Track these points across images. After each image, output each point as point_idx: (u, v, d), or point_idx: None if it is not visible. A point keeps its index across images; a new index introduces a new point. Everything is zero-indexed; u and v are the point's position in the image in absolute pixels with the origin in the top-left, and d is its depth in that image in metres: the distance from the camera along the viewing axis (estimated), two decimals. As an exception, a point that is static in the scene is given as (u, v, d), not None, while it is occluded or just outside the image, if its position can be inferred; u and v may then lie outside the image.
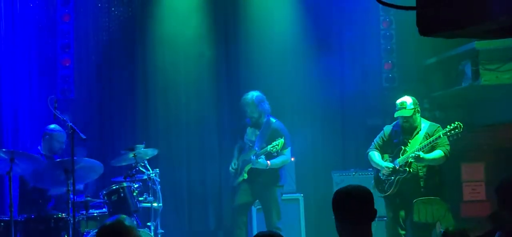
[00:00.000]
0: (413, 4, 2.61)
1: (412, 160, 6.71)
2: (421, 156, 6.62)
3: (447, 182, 8.00)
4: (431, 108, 8.89)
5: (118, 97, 8.81)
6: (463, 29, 2.50)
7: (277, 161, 7.35)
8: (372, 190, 6.96)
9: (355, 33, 9.07)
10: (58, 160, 6.39)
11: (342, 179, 8.46)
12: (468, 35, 2.56)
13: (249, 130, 7.56)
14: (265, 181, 7.42)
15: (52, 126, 6.93)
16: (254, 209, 8.23)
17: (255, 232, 8.16)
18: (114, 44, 8.81)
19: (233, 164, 7.60)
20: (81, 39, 8.63)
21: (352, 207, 3.42)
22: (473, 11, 2.41)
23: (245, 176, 7.43)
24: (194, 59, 9.02)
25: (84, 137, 6.02)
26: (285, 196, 7.97)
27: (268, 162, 7.29)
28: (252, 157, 7.28)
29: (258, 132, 7.46)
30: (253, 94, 7.44)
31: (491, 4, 2.33)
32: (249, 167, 7.39)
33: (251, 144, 7.47)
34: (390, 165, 6.86)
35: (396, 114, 6.89)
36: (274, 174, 7.47)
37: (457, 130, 6.57)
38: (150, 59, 8.91)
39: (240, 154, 7.62)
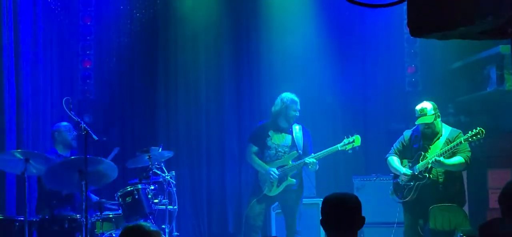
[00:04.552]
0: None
1: (432, 166, 6.57)
2: (441, 161, 6.47)
3: (472, 189, 7.84)
4: (456, 113, 8.73)
5: (138, 99, 8.84)
6: (453, 29, 2.42)
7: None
8: (390, 196, 6.93)
9: (378, 36, 8.94)
10: (73, 157, 6.39)
11: (363, 184, 8.37)
12: (460, 36, 2.47)
13: (273, 133, 7.36)
14: (299, 187, 7.38)
15: (57, 124, 7.10)
16: (273, 213, 8.17)
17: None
18: (135, 46, 8.85)
19: (272, 172, 7.21)
20: (102, 41, 8.68)
21: (336, 215, 3.38)
22: (462, 12, 2.33)
23: (293, 181, 7.27)
24: (215, 61, 9.00)
25: (96, 138, 6.02)
26: (305, 201, 7.88)
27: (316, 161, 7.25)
28: (310, 161, 7.15)
29: (289, 136, 7.33)
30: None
31: (478, 4, 2.25)
32: (293, 172, 7.26)
33: (285, 149, 7.30)
34: (409, 171, 6.72)
35: (417, 122, 6.74)
36: (302, 180, 7.44)
37: (479, 136, 6.40)
38: (170, 60, 8.92)
39: (264, 160, 7.38)
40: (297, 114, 7.32)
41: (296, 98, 7.33)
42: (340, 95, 9.12)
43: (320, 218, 3.44)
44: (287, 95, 7.36)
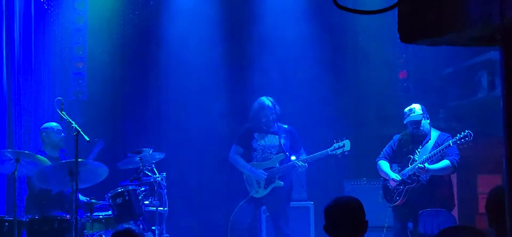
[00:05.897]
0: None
1: (418, 172, 6.59)
2: (426, 167, 6.48)
3: (462, 194, 7.86)
4: (447, 118, 8.75)
5: (130, 100, 8.84)
6: (443, 36, 2.43)
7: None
8: (380, 200, 6.94)
9: (370, 41, 8.96)
10: (63, 161, 6.39)
11: (353, 188, 8.38)
12: (450, 42, 2.48)
13: (258, 135, 7.37)
14: (287, 189, 7.35)
15: (46, 124, 7.06)
16: (263, 216, 8.17)
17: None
18: (127, 47, 8.84)
19: (261, 173, 7.23)
20: (94, 42, 8.66)
21: (342, 219, 3.37)
22: (451, 18, 2.34)
23: (281, 184, 7.26)
24: (207, 63, 9.00)
25: (87, 139, 6.00)
26: (295, 204, 7.89)
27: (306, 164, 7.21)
28: (300, 164, 7.14)
29: (275, 137, 7.32)
30: (270, 98, 7.32)
31: (468, 11, 2.26)
32: (280, 174, 7.25)
33: (272, 150, 7.30)
34: (398, 177, 6.74)
35: (406, 120, 6.78)
36: (291, 182, 7.42)
37: (467, 139, 6.43)
38: (162, 62, 8.93)
39: (252, 162, 7.39)
40: (271, 117, 7.26)
41: (267, 102, 7.28)
42: (332, 100, 9.12)
43: (324, 224, 3.42)
44: (259, 101, 7.34)
